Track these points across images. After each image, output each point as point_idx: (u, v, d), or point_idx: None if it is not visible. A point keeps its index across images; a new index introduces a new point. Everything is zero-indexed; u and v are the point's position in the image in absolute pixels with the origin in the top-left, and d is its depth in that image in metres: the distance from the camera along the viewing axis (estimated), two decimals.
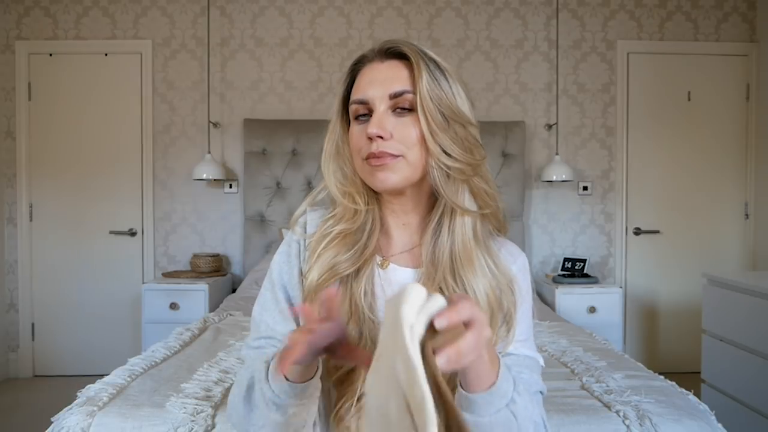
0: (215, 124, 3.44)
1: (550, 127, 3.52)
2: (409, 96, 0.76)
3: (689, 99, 3.53)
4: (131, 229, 3.47)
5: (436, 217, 0.81)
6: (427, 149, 0.77)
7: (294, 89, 3.49)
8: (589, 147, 3.55)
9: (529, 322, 0.85)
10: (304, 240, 0.86)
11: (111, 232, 3.46)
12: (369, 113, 0.79)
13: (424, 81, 0.75)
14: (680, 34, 3.53)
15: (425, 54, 0.78)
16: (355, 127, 0.80)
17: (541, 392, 0.82)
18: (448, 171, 0.77)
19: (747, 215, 3.56)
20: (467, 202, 0.79)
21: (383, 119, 0.77)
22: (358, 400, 0.75)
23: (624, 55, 3.51)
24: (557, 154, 3.40)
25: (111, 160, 3.45)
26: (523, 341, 0.82)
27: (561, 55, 3.50)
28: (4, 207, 3.45)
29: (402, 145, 0.76)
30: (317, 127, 3.33)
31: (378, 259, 0.83)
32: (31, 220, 3.45)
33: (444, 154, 0.76)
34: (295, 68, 3.48)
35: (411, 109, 0.77)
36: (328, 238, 0.81)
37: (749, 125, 3.54)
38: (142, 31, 3.45)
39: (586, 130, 3.54)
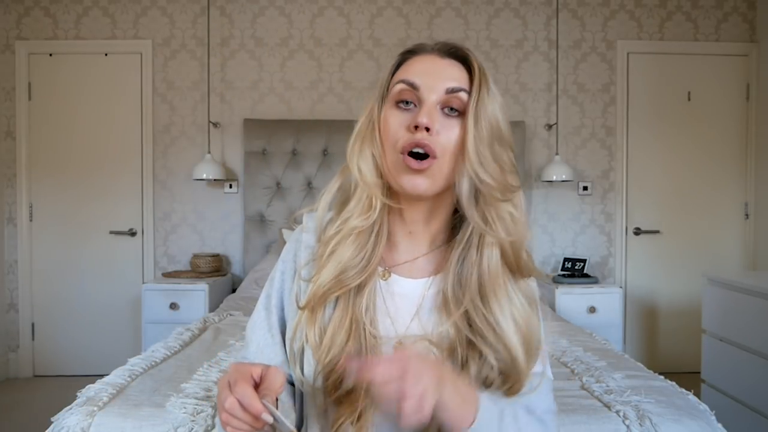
0: (215, 124, 3.44)
1: (550, 127, 3.52)
2: (464, 96, 0.74)
3: (689, 99, 3.53)
4: (131, 229, 3.47)
5: (466, 236, 0.77)
6: (461, 159, 0.73)
7: (294, 89, 3.49)
8: (589, 147, 3.55)
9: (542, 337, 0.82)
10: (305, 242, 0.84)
11: (111, 232, 3.46)
12: (412, 103, 0.75)
13: (483, 89, 0.74)
14: (680, 34, 3.53)
15: (483, 68, 0.77)
16: (395, 114, 0.75)
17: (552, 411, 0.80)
18: (478, 185, 0.73)
19: (747, 215, 3.56)
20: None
21: (433, 112, 0.73)
22: (358, 419, 0.72)
23: (624, 55, 3.51)
24: (557, 154, 3.40)
25: (111, 160, 3.45)
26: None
27: (561, 55, 3.50)
28: (4, 207, 3.45)
29: (442, 146, 0.73)
30: (317, 127, 3.34)
31: (380, 270, 0.80)
32: (31, 220, 3.45)
33: (480, 165, 0.72)
34: (295, 68, 3.48)
35: (459, 114, 0.74)
36: (342, 232, 0.76)
37: (749, 125, 3.53)
38: (142, 31, 3.45)
39: (586, 130, 3.54)
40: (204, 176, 3.22)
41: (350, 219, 0.77)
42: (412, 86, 0.74)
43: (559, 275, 3.25)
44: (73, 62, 3.44)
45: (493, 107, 0.74)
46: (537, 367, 0.79)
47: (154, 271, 3.47)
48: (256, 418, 0.61)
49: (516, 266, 0.77)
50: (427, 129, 0.71)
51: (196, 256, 3.25)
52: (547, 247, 3.54)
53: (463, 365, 0.74)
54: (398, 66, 0.79)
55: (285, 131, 3.34)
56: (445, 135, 0.73)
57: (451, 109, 0.74)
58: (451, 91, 0.73)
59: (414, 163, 0.72)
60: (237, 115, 3.47)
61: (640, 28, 3.53)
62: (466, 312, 0.74)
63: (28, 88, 3.42)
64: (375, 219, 0.77)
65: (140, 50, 3.44)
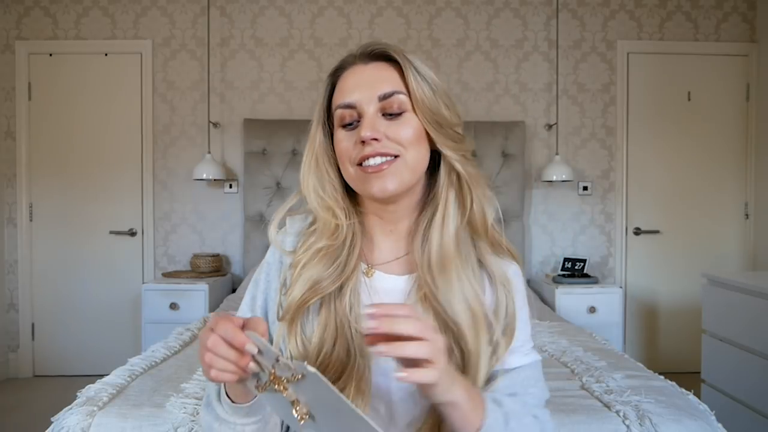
0: (215, 124, 3.44)
1: (550, 127, 3.52)
2: (400, 97, 0.75)
3: (689, 99, 3.53)
4: (131, 229, 3.47)
5: (425, 222, 0.79)
6: (424, 148, 0.77)
7: (294, 89, 3.49)
8: (589, 147, 3.55)
9: (526, 332, 0.82)
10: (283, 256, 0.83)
11: (111, 232, 3.45)
12: (357, 120, 0.76)
13: (414, 81, 0.75)
14: (680, 34, 3.53)
15: (408, 56, 0.77)
16: (342, 134, 0.77)
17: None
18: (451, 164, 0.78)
19: (747, 215, 3.56)
20: (452, 208, 0.79)
21: (375, 121, 0.74)
22: None
23: (624, 55, 3.51)
24: (557, 154, 3.40)
25: (111, 160, 3.45)
26: (519, 347, 0.80)
27: (561, 55, 3.50)
28: (4, 207, 3.45)
29: (398, 146, 0.74)
30: None
31: (363, 267, 0.81)
32: (31, 220, 3.45)
33: (446, 148, 0.77)
34: (295, 68, 3.48)
35: (400, 113, 0.75)
36: (308, 254, 0.77)
37: (749, 125, 3.54)
38: (142, 31, 3.45)
39: (586, 130, 3.54)
40: (204, 176, 3.22)
41: (316, 242, 0.78)
42: (349, 107, 0.75)
43: (559, 275, 3.24)
44: (73, 62, 3.44)
45: (427, 96, 0.75)
46: (529, 358, 0.80)
47: (154, 271, 3.47)
48: (241, 353, 0.58)
49: (483, 226, 0.80)
50: (375, 139, 0.73)
51: (196, 256, 3.25)
52: (547, 247, 3.54)
53: (450, 353, 0.74)
54: (334, 87, 0.80)
55: (285, 131, 3.34)
56: (394, 136, 0.74)
57: (391, 115, 0.75)
58: (384, 96, 0.74)
59: (370, 168, 0.74)
60: (237, 115, 3.47)
61: (640, 28, 3.53)
62: (434, 297, 0.75)
63: (28, 88, 3.42)
64: (344, 235, 0.78)
65: (140, 50, 3.44)
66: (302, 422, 0.58)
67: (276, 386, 0.57)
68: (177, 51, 3.47)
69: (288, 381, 0.56)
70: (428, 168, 0.80)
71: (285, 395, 0.57)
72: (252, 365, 0.59)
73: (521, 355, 0.80)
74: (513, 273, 0.82)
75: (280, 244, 0.83)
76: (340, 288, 0.76)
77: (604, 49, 3.53)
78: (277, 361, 0.56)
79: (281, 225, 0.85)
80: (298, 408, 0.58)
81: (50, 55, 3.43)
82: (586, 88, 3.53)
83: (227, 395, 0.69)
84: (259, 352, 0.58)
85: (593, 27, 3.53)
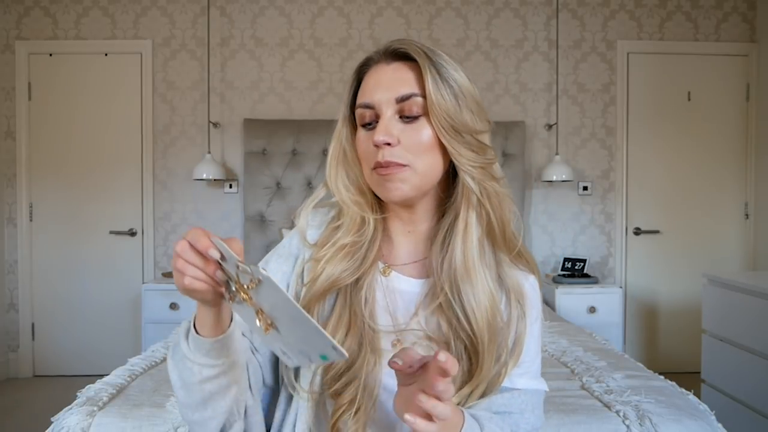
0: (215, 124, 3.44)
1: (550, 127, 3.52)
2: (418, 100, 0.74)
3: (689, 99, 3.53)
4: (131, 229, 3.47)
5: (445, 227, 0.78)
6: (438, 155, 0.75)
7: (294, 89, 3.49)
8: (589, 147, 3.55)
9: (536, 348, 0.81)
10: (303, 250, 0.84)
11: (111, 232, 3.45)
12: (376, 120, 0.76)
13: (432, 84, 0.73)
14: (680, 34, 3.53)
15: (432, 57, 0.74)
16: (362, 134, 0.78)
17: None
18: (461, 175, 0.76)
19: (747, 215, 3.56)
20: (474, 216, 0.77)
21: (390, 125, 0.74)
22: (356, 412, 0.73)
23: (624, 55, 3.51)
24: (557, 154, 3.40)
25: (111, 160, 3.45)
26: (528, 365, 0.79)
27: (561, 55, 3.50)
28: (4, 207, 3.45)
29: (409, 154, 0.74)
30: (317, 127, 3.34)
31: (380, 266, 0.81)
32: (31, 220, 3.45)
33: (460, 156, 0.75)
34: (295, 68, 3.48)
35: (418, 117, 0.74)
36: (333, 250, 0.78)
37: (749, 125, 3.54)
38: (142, 31, 3.45)
39: (586, 130, 3.54)
40: (204, 176, 3.22)
41: (342, 238, 0.79)
42: (368, 107, 0.76)
43: (559, 275, 3.25)
44: (73, 62, 3.44)
45: (445, 99, 0.73)
46: (533, 383, 0.80)
47: (154, 271, 3.47)
48: (206, 259, 0.58)
49: (502, 238, 0.79)
50: (389, 144, 0.73)
51: None
52: (547, 247, 3.54)
53: (459, 360, 0.74)
54: (359, 83, 0.80)
55: (285, 131, 3.34)
56: (408, 141, 0.74)
57: (408, 117, 0.75)
58: (402, 99, 0.74)
59: (382, 170, 0.74)
60: (237, 115, 3.47)
61: (640, 28, 3.53)
62: (451, 304, 0.75)
63: (28, 88, 3.42)
64: (370, 231, 0.79)
65: (140, 50, 3.44)
66: (267, 333, 0.57)
67: (242, 294, 0.57)
68: (177, 51, 3.47)
69: (248, 287, 0.56)
70: (450, 170, 0.79)
71: (250, 305, 0.57)
72: (219, 273, 0.58)
73: (530, 377, 0.79)
74: (530, 286, 0.82)
75: (303, 238, 0.84)
76: (357, 281, 0.78)
77: (604, 49, 3.53)
78: (238, 267, 0.56)
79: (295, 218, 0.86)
80: (261, 317, 0.57)
81: (50, 55, 3.43)
82: (586, 88, 3.53)
83: (194, 328, 0.67)
84: (224, 258, 0.57)
85: (593, 27, 3.53)
